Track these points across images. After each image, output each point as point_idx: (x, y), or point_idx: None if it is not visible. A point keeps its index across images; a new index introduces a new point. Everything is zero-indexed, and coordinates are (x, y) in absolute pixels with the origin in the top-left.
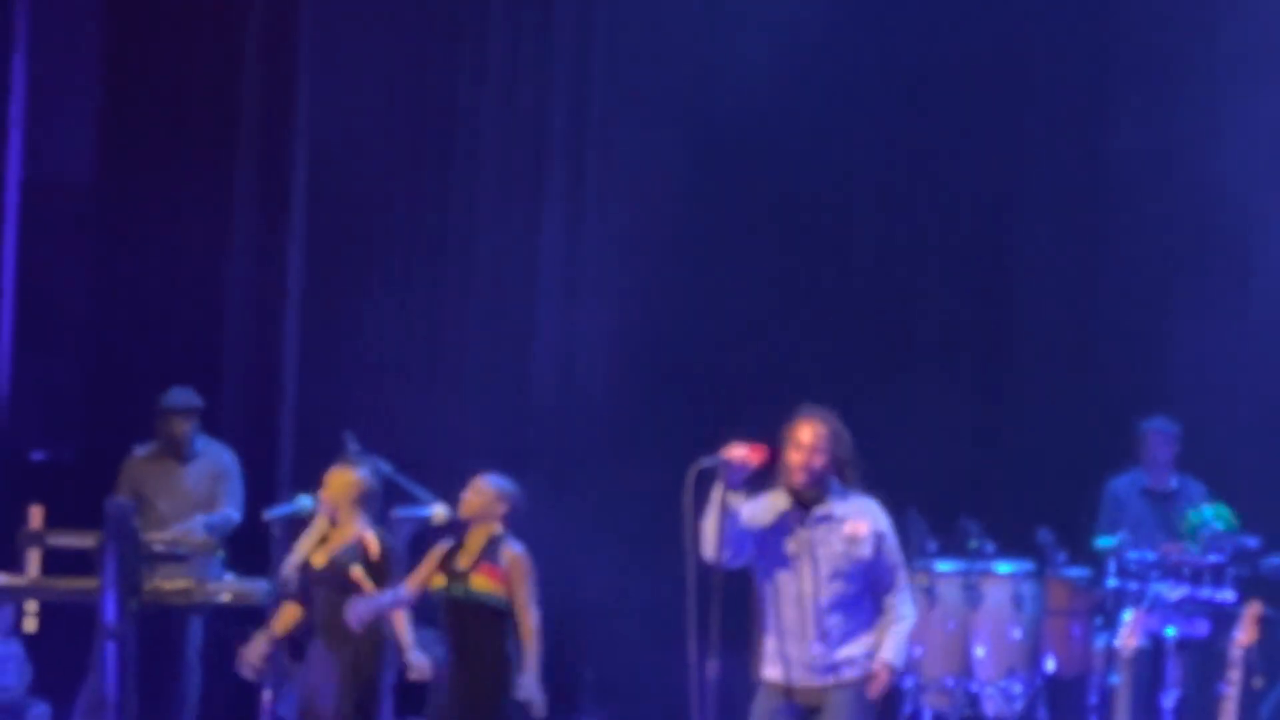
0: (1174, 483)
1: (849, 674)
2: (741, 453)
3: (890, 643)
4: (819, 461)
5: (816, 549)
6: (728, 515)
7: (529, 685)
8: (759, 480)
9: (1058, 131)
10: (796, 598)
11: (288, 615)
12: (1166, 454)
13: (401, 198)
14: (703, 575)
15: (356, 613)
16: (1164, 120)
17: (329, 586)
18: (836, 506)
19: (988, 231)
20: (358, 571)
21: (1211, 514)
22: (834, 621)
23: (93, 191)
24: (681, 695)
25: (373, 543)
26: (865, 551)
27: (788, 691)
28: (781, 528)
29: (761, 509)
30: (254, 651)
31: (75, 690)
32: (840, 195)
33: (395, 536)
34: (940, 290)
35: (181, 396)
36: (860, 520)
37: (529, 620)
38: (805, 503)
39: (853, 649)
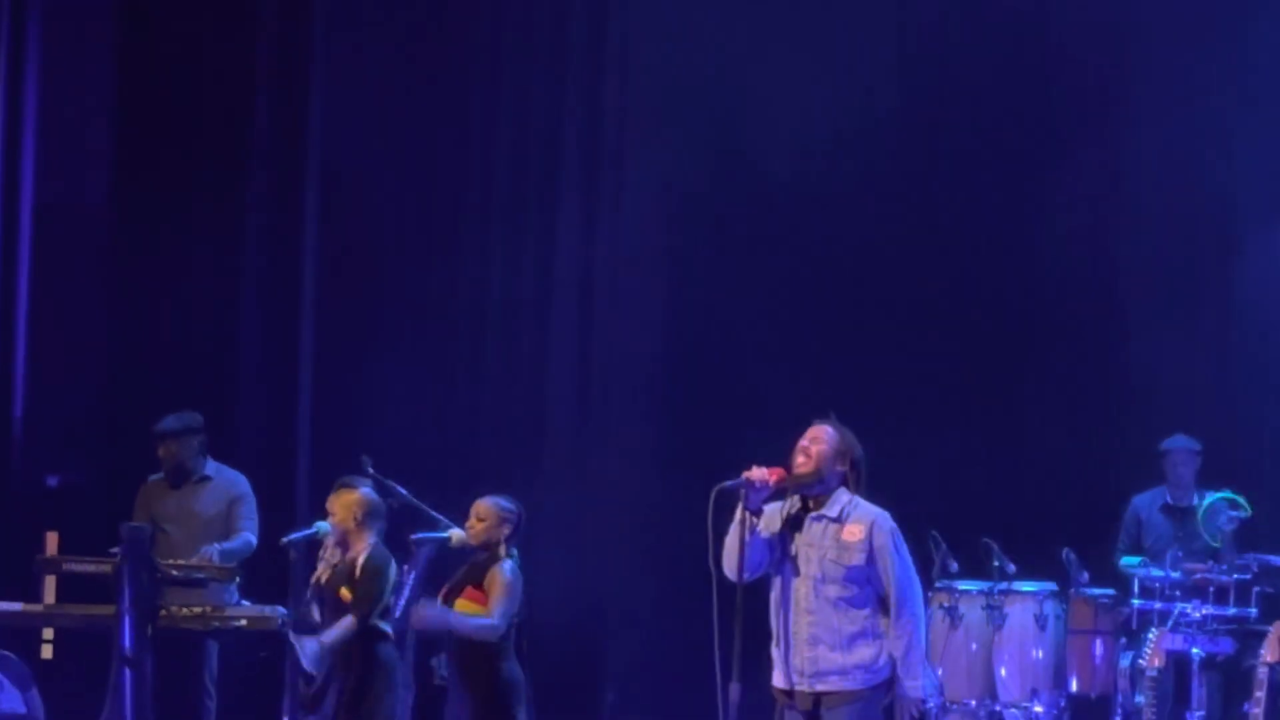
0: (1195, 499)
1: (839, 684)
2: (761, 474)
3: (901, 675)
4: (815, 449)
5: (811, 550)
6: (750, 536)
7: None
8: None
9: (1078, 145)
10: (793, 600)
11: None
12: (1188, 472)
13: (416, 216)
14: (725, 597)
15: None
16: (1184, 136)
17: (326, 606)
18: (836, 509)
19: (1010, 248)
20: (345, 592)
21: (1218, 497)
22: (823, 626)
23: (105, 214)
24: (702, 714)
25: (359, 560)
26: (857, 558)
27: (789, 695)
28: (786, 530)
29: (772, 515)
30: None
31: (92, 717)
32: (861, 210)
33: (416, 560)
34: (963, 308)
35: (165, 422)
36: (857, 525)
37: (489, 620)
38: (809, 505)
39: (845, 658)
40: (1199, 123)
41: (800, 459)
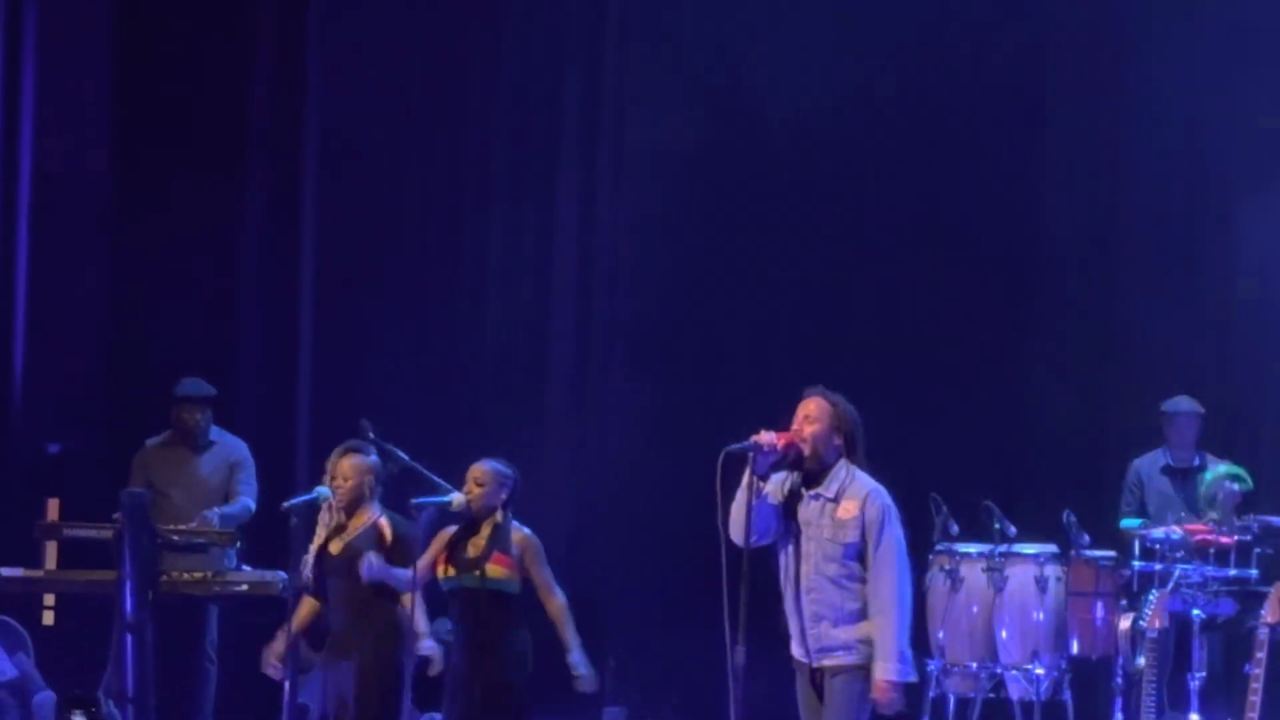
0: (1196, 460)
1: (844, 658)
2: (770, 438)
3: (879, 654)
4: (809, 429)
5: (810, 528)
6: (757, 499)
7: (578, 662)
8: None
9: (1080, 111)
10: (794, 577)
11: (305, 610)
12: (1190, 434)
13: (415, 184)
14: (732, 561)
15: (370, 569)
16: (1186, 102)
17: (346, 575)
18: (833, 487)
19: (1010, 215)
20: (374, 558)
21: (1225, 470)
22: (825, 603)
23: (105, 181)
24: (704, 681)
25: (386, 528)
26: (852, 535)
27: (803, 668)
28: (787, 506)
29: (778, 485)
30: (275, 650)
31: (93, 683)
32: (861, 177)
33: (415, 524)
34: (963, 273)
35: (195, 385)
36: (852, 502)
37: (555, 601)
38: (809, 481)
39: (847, 634)
40: (1201, 88)
41: (798, 442)
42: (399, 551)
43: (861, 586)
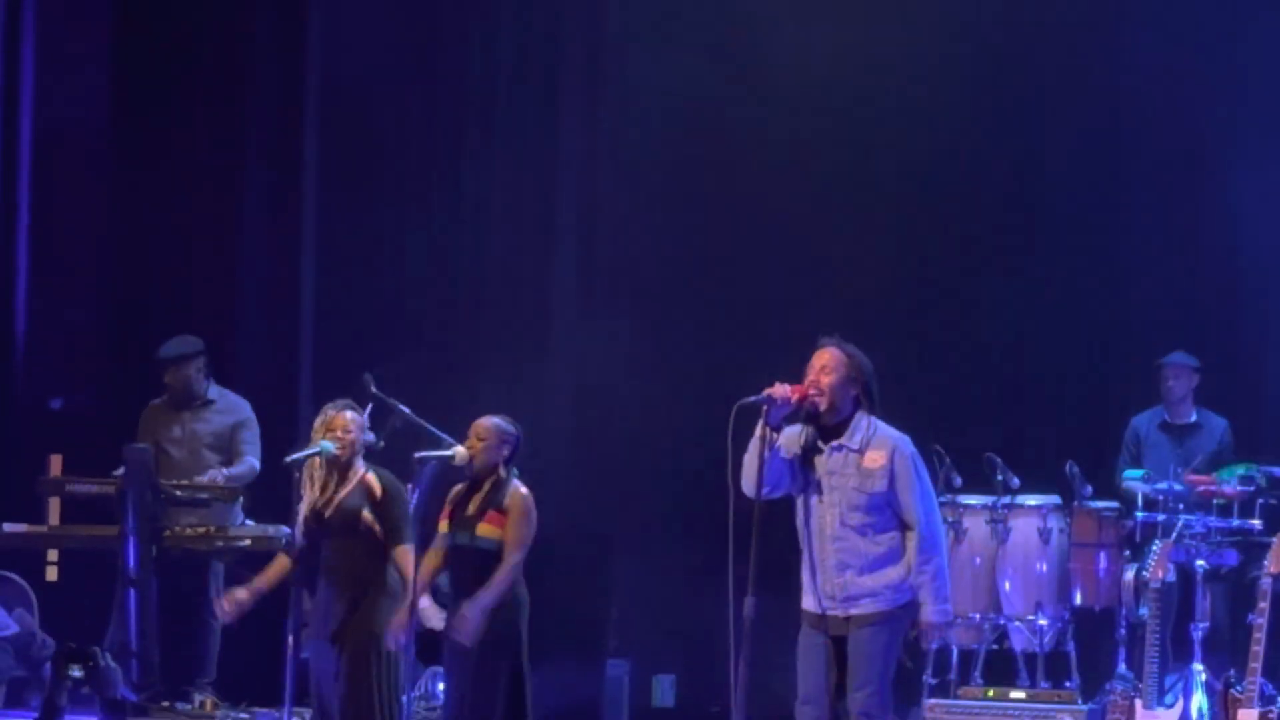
0: (1193, 416)
1: (871, 606)
2: (784, 390)
3: (927, 598)
4: (826, 380)
5: (832, 479)
6: (770, 451)
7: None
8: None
9: (1083, 58)
10: (818, 529)
11: (277, 567)
12: (1183, 388)
13: (415, 140)
14: (740, 513)
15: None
16: (1185, 53)
17: (339, 532)
18: (856, 438)
19: (1013, 166)
20: (367, 516)
21: (1244, 470)
22: (851, 552)
23: (105, 138)
24: (706, 632)
25: (375, 483)
26: (880, 484)
27: (821, 620)
28: (806, 458)
29: (789, 440)
30: (230, 599)
31: (96, 638)
32: (863, 121)
33: (419, 478)
34: (964, 227)
35: (170, 347)
36: (877, 452)
37: (510, 558)
38: (827, 434)
39: (874, 581)
40: (1204, 40)
41: (813, 394)
42: (387, 506)
43: (886, 535)
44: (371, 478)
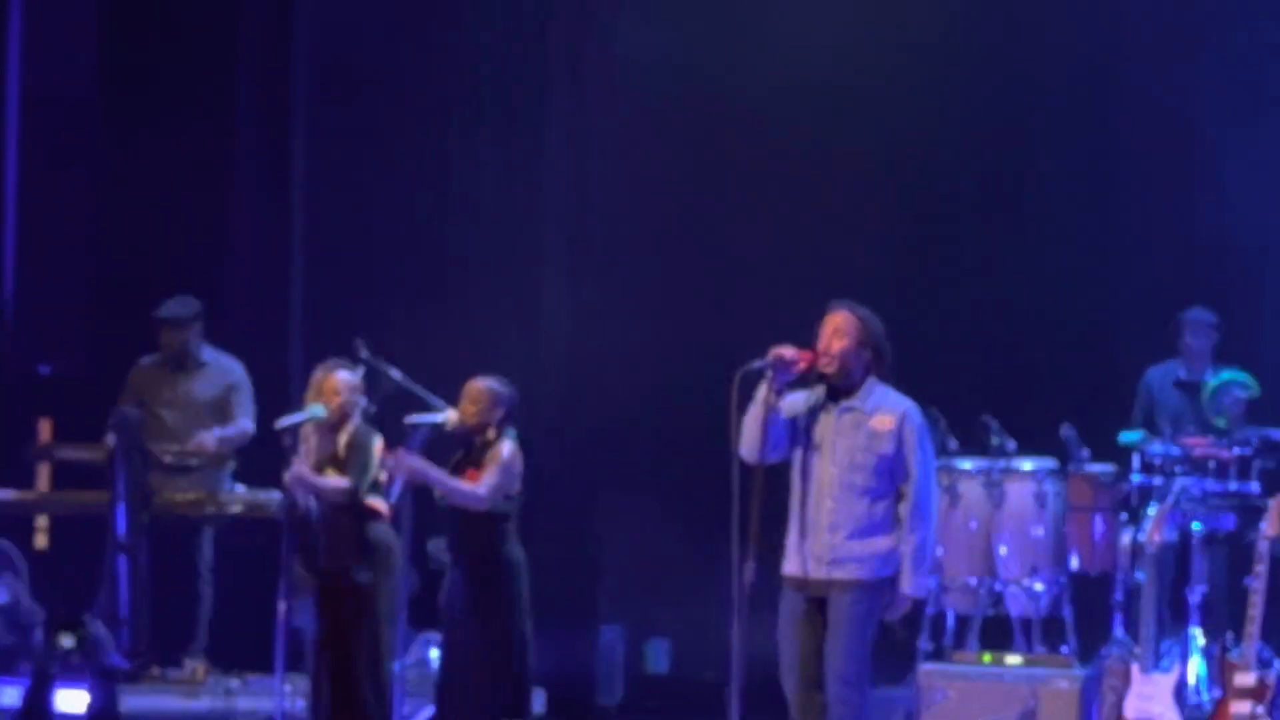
0: (1209, 374)
1: (856, 572)
2: (790, 353)
3: (907, 570)
4: (839, 344)
5: (838, 439)
6: (772, 415)
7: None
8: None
9: (1075, 18)
10: (817, 487)
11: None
12: (1203, 344)
13: (406, 102)
14: (742, 477)
15: (406, 465)
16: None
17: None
18: (866, 401)
19: (1008, 124)
20: (331, 473)
21: (1228, 376)
22: (845, 513)
23: (93, 104)
24: (700, 598)
25: (345, 437)
26: (887, 447)
27: (803, 584)
28: (811, 418)
29: (798, 401)
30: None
31: (87, 604)
32: (857, 83)
33: (411, 443)
34: (959, 187)
35: (173, 307)
36: (888, 415)
37: (474, 484)
38: (836, 395)
39: (863, 547)
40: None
41: (822, 360)
42: (349, 459)
43: (881, 503)
44: (346, 436)
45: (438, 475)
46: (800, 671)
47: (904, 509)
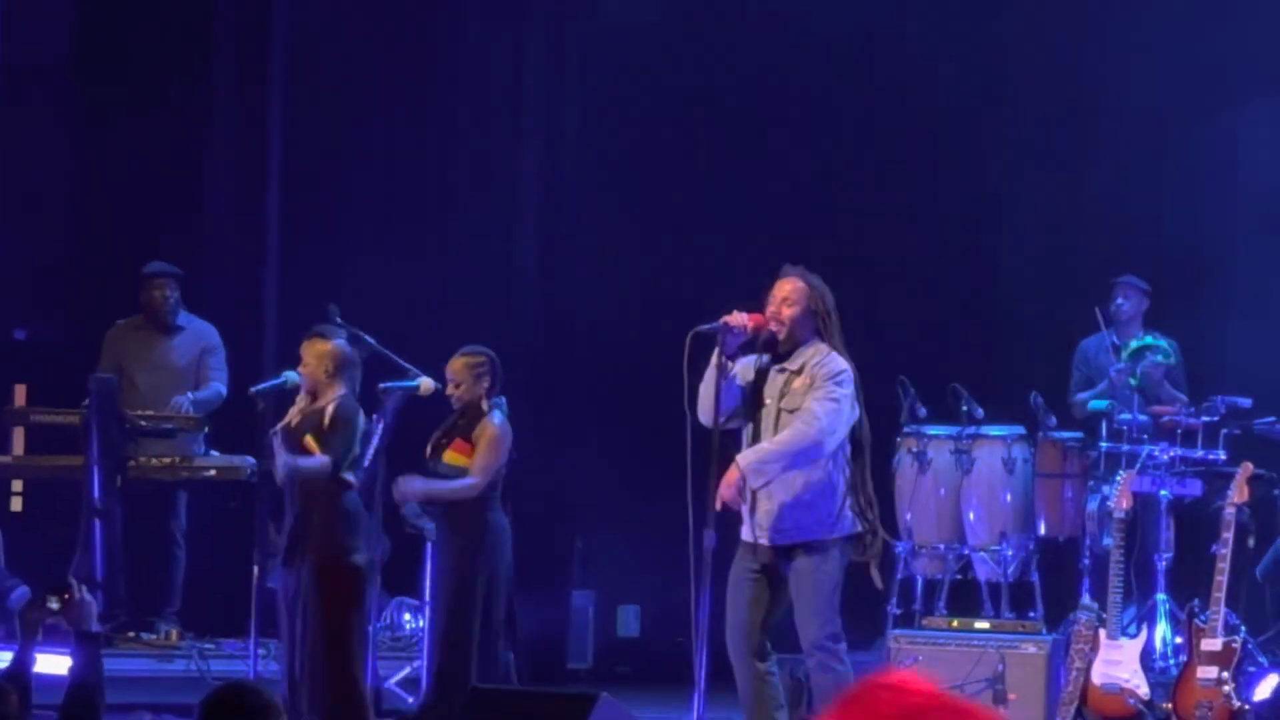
0: (1142, 337)
1: (801, 536)
2: (740, 319)
3: (754, 451)
4: (788, 312)
5: (771, 403)
6: (725, 379)
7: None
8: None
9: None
10: None
11: None
12: (1134, 307)
13: (382, 68)
14: (697, 442)
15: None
16: None
17: (286, 450)
18: (798, 361)
19: (976, 91)
20: (310, 441)
21: (1150, 340)
22: (781, 481)
23: (70, 71)
24: (671, 564)
25: (328, 413)
26: (805, 403)
27: (753, 550)
28: (757, 383)
29: (747, 367)
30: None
31: (62, 569)
32: (832, 53)
33: (384, 409)
34: (927, 154)
35: (157, 263)
36: (811, 376)
37: (468, 479)
38: (780, 360)
39: (806, 513)
40: None
41: (772, 325)
42: (331, 433)
43: (815, 463)
44: (332, 408)
45: (437, 488)
46: (740, 634)
47: (847, 475)
